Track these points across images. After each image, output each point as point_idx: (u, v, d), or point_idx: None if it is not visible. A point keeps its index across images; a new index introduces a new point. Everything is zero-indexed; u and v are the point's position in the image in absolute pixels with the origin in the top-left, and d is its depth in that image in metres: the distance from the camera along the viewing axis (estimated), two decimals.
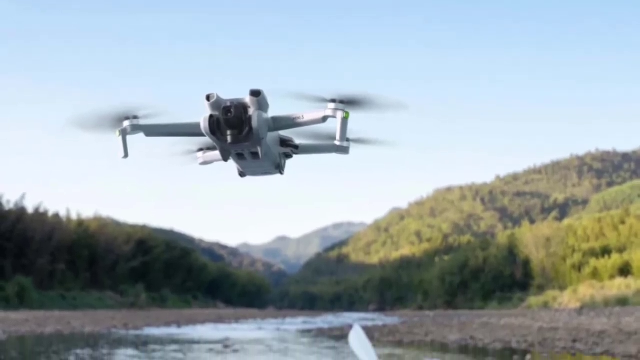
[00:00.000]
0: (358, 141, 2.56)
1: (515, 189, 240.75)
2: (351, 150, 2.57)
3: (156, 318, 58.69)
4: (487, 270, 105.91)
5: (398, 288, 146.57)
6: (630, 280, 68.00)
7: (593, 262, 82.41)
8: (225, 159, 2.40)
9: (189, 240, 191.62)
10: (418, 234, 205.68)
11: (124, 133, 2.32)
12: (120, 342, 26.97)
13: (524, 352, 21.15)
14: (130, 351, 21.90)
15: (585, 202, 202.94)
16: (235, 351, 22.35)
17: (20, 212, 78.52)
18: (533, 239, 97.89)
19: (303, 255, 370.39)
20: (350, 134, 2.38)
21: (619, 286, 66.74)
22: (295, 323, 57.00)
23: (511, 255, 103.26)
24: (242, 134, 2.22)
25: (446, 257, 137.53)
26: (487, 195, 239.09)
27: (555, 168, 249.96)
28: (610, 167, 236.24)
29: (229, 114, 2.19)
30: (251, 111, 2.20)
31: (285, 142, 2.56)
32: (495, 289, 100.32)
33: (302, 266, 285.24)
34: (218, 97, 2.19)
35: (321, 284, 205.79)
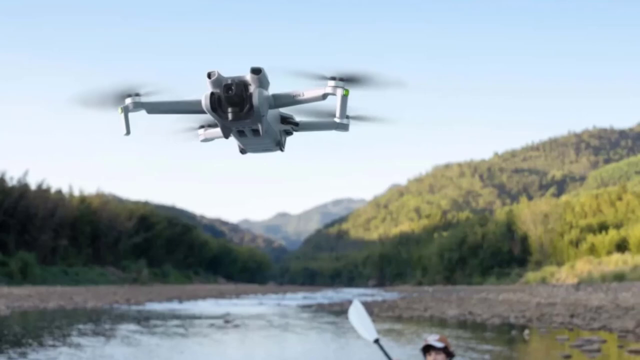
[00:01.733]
0: (358, 118, 2.59)
1: (513, 166, 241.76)
2: (351, 127, 2.60)
3: (158, 293, 59.40)
4: (486, 246, 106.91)
5: (397, 264, 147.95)
6: (627, 256, 68.46)
7: (590, 238, 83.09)
8: (226, 136, 2.43)
9: (191, 216, 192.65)
10: (417, 210, 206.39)
11: (126, 110, 2.35)
12: (122, 317, 27.28)
13: (522, 327, 21.41)
14: (132, 326, 22.17)
15: (582, 179, 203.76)
16: (236, 326, 22.62)
17: (23, 188, 79.00)
18: (531, 215, 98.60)
19: (303, 232, 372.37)
20: (350, 111, 2.41)
21: (616, 262, 67.25)
22: (296, 298, 57.69)
23: (509, 232, 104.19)
24: (242, 111, 2.25)
25: (445, 233, 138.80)
26: (485, 171, 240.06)
27: (553, 145, 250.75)
28: (608, 144, 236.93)
29: (230, 92, 2.22)
30: (252, 89, 2.23)
31: (285, 120, 2.60)
32: (494, 265, 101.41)
33: (302, 242, 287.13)
34: (219, 75, 2.22)
35: (321, 259, 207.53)
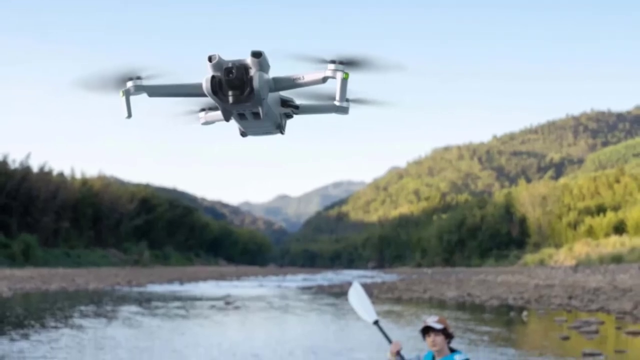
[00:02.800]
0: (357, 101, 2.61)
1: (512, 149, 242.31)
2: (351, 110, 2.63)
3: (159, 275, 59.71)
4: (484, 228, 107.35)
5: (396, 246, 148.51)
6: (624, 238, 68.78)
7: (588, 220, 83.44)
8: (226, 119, 2.46)
9: (192, 198, 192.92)
10: (416, 193, 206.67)
11: (127, 93, 2.38)
12: (123, 299, 27.46)
13: (521, 309, 21.56)
14: (134, 308, 22.32)
15: (580, 162, 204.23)
16: (237, 308, 22.78)
17: (25, 171, 79.24)
18: (529, 198, 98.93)
19: (303, 214, 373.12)
20: (349, 95, 2.43)
21: (613, 244, 67.58)
22: (296, 280, 58.00)
23: (508, 214, 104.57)
24: (243, 95, 2.27)
25: (444, 216, 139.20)
26: (484, 154, 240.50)
27: (551, 128, 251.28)
28: (605, 127, 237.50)
29: (231, 75, 2.24)
30: (252, 72, 2.25)
31: (285, 103, 2.62)
32: (492, 247, 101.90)
33: (302, 224, 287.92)
34: (220, 58, 2.23)
35: (321, 241, 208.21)
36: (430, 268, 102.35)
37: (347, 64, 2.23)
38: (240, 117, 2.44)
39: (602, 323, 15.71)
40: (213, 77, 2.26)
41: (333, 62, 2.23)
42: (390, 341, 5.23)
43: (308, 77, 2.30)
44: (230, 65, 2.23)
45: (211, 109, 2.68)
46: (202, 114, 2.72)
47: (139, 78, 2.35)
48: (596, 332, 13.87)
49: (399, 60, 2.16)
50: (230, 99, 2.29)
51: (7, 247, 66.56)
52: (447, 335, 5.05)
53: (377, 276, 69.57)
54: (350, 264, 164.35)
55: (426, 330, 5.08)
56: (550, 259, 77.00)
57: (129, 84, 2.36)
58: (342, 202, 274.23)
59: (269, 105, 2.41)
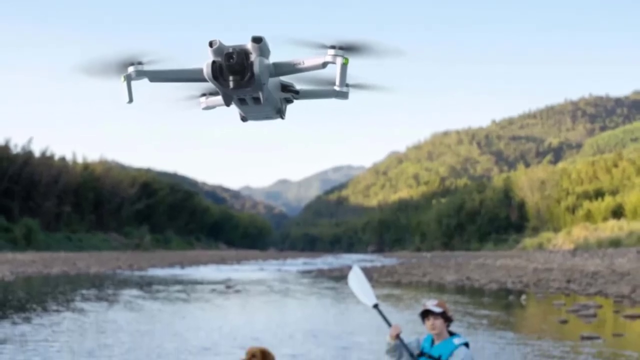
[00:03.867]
0: (357, 86, 2.63)
1: (511, 133, 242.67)
2: (350, 95, 2.65)
3: (160, 259, 59.95)
4: (483, 212, 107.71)
5: (396, 230, 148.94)
6: (622, 222, 69.04)
7: (586, 204, 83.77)
8: (227, 103, 2.48)
9: (192, 183, 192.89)
10: (416, 177, 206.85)
11: (128, 78, 2.40)
12: (125, 283, 27.61)
13: (519, 293, 21.68)
14: (135, 291, 22.44)
15: (579, 146, 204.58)
16: (237, 292, 22.91)
17: (27, 155, 79.49)
18: (528, 182, 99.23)
19: (303, 198, 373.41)
20: (349, 80, 2.45)
21: (611, 228, 67.86)
22: (296, 264, 58.24)
23: (506, 198, 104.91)
24: (244, 80, 2.29)
25: (443, 200, 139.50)
26: (483, 139, 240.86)
27: (550, 113, 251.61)
28: (604, 112, 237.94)
29: (231, 60, 2.26)
30: (253, 57, 2.26)
31: (286, 88, 2.64)
32: (491, 231, 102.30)
33: (302, 208, 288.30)
34: (220, 44, 2.25)
35: (321, 225, 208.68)
36: (430, 252, 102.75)
37: (347, 49, 2.24)
38: (241, 102, 2.46)
39: (600, 307, 15.81)
40: (214, 62, 2.28)
41: (333, 47, 2.25)
42: (389, 324, 5.28)
43: (308, 63, 2.32)
44: (230, 50, 2.25)
45: (212, 93, 2.70)
46: (203, 98, 2.74)
47: (140, 63, 2.37)
48: (594, 315, 13.97)
49: (398, 45, 2.17)
50: (231, 84, 2.30)
51: (9, 231, 66.85)
52: (447, 318, 5.10)
53: (377, 260, 69.86)
54: (350, 248, 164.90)
55: (425, 314, 5.13)
56: (549, 243, 77.32)
57: (130, 69, 2.37)
58: (342, 186, 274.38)
59: (269, 90, 2.42)
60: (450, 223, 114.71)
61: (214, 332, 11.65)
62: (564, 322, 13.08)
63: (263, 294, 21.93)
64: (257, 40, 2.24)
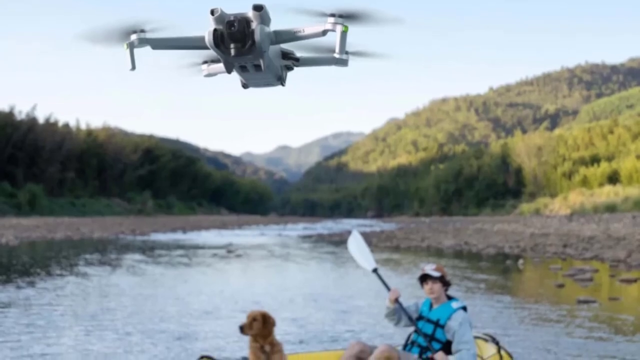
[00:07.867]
0: (356, 54, 2.65)
1: (508, 100, 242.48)
2: (350, 62, 2.68)
3: (162, 224, 60.31)
4: (481, 178, 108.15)
5: (395, 195, 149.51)
6: (618, 187, 69.48)
7: (583, 170, 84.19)
8: (228, 71, 2.52)
9: (194, 149, 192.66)
10: (414, 143, 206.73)
11: (131, 46, 2.42)
12: (127, 248, 27.86)
13: (517, 257, 21.91)
14: (138, 256, 22.69)
15: (575, 113, 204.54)
16: (239, 256, 23.15)
17: (31, 122, 79.72)
18: (525, 148, 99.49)
19: (304, 164, 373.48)
20: (349, 47, 2.48)
21: (607, 193, 68.31)
22: (296, 229, 58.64)
23: (504, 164, 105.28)
24: (245, 47, 2.32)
25: (441, 166, 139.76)
26: (480, 105, 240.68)
27: (546, 80, 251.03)
28: (600, 79, 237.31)
29: (233, 28, 2.28)
30: (254, 25, 2.29)
31: (286, 55, 2.67)
32: (489, 196, 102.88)
33: (302, 174, 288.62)
34: (222, 12, 2.27)
35: (321, 191, 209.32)
36: (428, 217, 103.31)
37: (347, 17, 2.26)
38: (242, 69, 2.49)
39: (596, 271, 16.01)
40: (215, 30, 2.31)
41: (333, 15, 2.27)
42: (389, 288, 5.38)
43: (308, 30, 2.34)
44: (232, 18, 2.27)
45: (213, 61, 2.73)
46: (205, 66, 2.77)
47: (142, 31, 2.39)
48: (590, 279, 14.16)
49: (397, 13, 2.19)
50: (232, 52, 2.34)
51: (13, 197, 67.26)
52: (445, 282, 5.21)
53: (376, 225, 70.29)
54: (350, 213, 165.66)
55: (424, 278, 5.24)
56: (546, 208, 77.80)
57: (133, 37, 2.40)
58: (342, 152, 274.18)
59: (270, 57, 2.45)
60: (448, 188, 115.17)
61: (216, 296, 11.84)
62: (561, 286, 13.27)
63: (264, 259, 22.16)
64: (258, 8, 2.26)
